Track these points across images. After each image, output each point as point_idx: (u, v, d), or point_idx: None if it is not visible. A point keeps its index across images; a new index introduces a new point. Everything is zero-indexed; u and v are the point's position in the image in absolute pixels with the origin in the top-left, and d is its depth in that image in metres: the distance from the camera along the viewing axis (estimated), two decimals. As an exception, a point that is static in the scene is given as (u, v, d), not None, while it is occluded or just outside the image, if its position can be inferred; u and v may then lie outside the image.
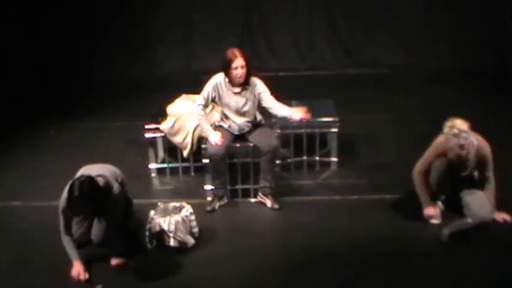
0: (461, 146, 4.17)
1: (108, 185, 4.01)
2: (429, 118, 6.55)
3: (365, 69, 8.48)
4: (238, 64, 4.63)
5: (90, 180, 3.87)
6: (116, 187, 4.07)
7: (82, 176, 3.92)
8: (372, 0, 8.48)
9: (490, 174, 4.42)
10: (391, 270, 4.12)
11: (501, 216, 4.52)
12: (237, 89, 4.79)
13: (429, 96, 7.38)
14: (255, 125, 5.00)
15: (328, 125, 5.46)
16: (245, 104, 4.84)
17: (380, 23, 8.48)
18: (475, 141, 4.23)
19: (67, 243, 4.11)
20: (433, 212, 4.52)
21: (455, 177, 4.36)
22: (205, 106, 4.93)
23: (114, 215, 4.11)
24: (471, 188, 4.47)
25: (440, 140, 4.42)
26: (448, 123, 4.30)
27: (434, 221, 4.56)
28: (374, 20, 8.49)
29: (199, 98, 4.90)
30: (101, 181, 3.96)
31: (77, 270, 4.07)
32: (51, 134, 6.66)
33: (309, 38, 8.71)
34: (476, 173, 4.43)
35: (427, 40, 8.44)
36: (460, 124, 4.25)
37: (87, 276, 4.08)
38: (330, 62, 8.66)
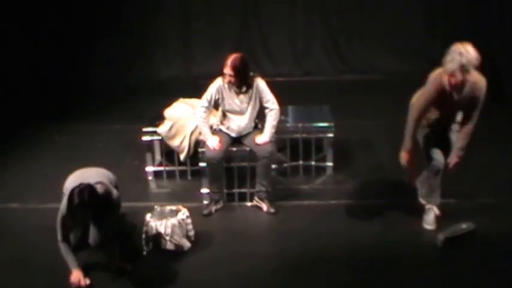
0: (462, 67, 3.94)
1: (107, 192, 3.94)
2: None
3: (361, 76, 8.46)
4: (226, 72, 4.65)
5: (89, 188, 3.78)
6: (114, 193, 4.02)
7: (81, 184, 3.82)
8: (367, 7, 8.49)
9: (476, 113, 4.25)
10: (387, 275, 4.08)
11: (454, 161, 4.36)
12: (239, 90, 4.77)
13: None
14: (253, 129, 4.96)
15: (324, 130, 5.42)
16: (247, 104, 4.81)
17: (375, 30, 8.48)
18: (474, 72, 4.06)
19: (65, 250, 4.01)
20: (406, 159, 4.38)
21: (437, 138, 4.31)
22: (208, 108, 4.88)
23: (113, 220, 4.05)
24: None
25: (436, 72, 4.20)
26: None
27: (429, 227, 4.51)
28: (370, 27, 8.48)
29: (203, 100, 4.86)
30: (100, 188, 3.88)
31: (77, 277, 3.97)
32: (51, 137, 6.59)
33: (305, 45, 8.71)
34: (461, 115, 4.30)
35: (421, 47, 8.42)
36: (470, 48, 4.00)
37: (88, 282, 3.99)
38: (327, 68, 8.64)
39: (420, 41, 8.39)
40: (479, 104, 4.21)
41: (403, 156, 4.44)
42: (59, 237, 3.99)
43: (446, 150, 4.41)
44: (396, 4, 8.40)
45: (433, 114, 4.34)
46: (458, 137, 4.34)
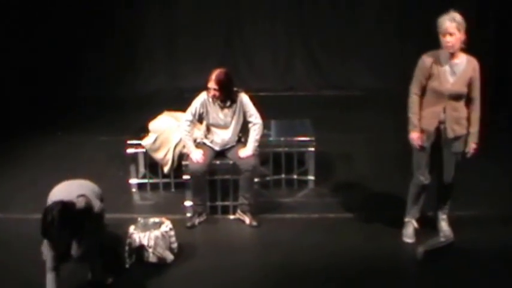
0: (458, 24, 3.91)
1: (89, 205, 3.72)
2: (401, 137, 6.46)
3: (340, 91, 8.47)
4: (211, 86, 4.58)
5: (61, 207, 3.44)
6: (97, 206, 3.81)
7: (54, 203, 3.52)
8: (346, 26, 8.55)
9: (477, 94, 4.13)
10: (367, 287, 3.94)
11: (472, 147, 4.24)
12: (223, 104, 4.66)
13: (400, 117, 7.24)
14: (236, 142, 4.84)
15: (306, 144, 5.33)
16: (231, 118, 4.71)
17: (354, 47, 8.51)
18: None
19: (50, 280, 3.67)
20: (417, 137, 4.22)
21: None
22: (193, 122, 4.76)
23: (95, 233, 3.84)
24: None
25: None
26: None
27: (409, 240, 4.42)
28: (349, 45, 8.51)
29: (187, 114, 4.74)
30: (81, 202, 3.67)
31: None
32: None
33: (287, 61, 8.75)
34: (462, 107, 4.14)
35: (397, 64, 8.41)
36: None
37: None
38: (307, 84, 8.67)
39: (395, 58, 8.39)
40: (476, 83, 4.11)
41: (414, 137, 4.24)
42: (49, 264, 3.65)
43: (438, 166, 4.31)
44: (374, 22, 8.46)
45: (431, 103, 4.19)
46: (470, 122, 4.18)
